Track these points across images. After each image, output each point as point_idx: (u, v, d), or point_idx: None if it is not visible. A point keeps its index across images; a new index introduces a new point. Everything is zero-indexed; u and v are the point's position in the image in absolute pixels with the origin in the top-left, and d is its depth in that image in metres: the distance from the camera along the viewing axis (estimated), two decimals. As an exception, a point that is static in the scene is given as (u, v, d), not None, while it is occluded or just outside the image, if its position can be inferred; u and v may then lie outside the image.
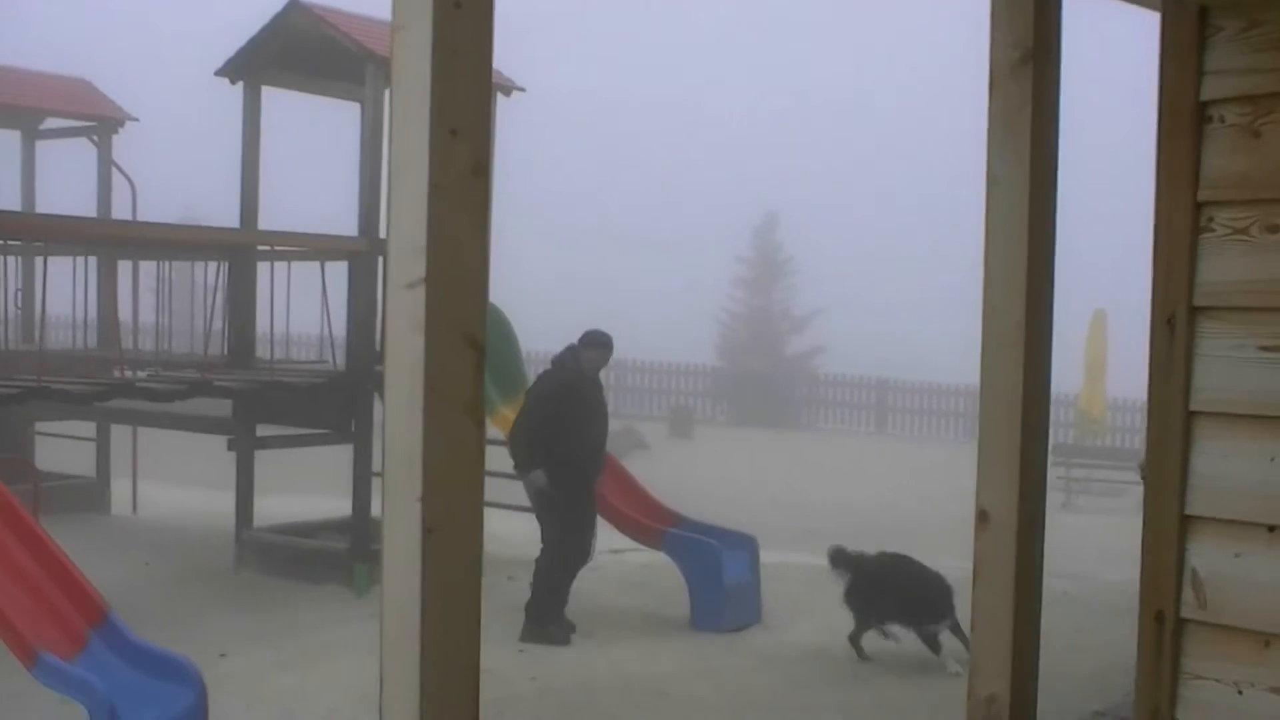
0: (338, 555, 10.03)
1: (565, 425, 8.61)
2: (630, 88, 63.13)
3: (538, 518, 8.82)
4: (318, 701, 7.10)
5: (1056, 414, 21.89)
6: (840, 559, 8.52)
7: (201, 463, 13.36)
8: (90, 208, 12.48)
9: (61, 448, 13.03)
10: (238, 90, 10.69)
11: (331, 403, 10.24)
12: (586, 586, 9.21)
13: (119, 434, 12.85)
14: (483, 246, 2.24)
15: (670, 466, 18.14)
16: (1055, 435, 19.40)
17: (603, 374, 9.16)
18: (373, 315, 10.06)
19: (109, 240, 10.51)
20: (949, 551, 8.86)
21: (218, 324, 10.36)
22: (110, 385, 9.47)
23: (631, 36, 68.55)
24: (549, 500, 8.63)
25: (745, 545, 9.53)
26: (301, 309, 10.21)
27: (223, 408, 10.48)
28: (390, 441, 2.24)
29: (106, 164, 12.73)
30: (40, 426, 12.65)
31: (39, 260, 9.74)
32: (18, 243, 10.68)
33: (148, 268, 11.23)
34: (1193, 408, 3.36)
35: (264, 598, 9.52)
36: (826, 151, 58.16)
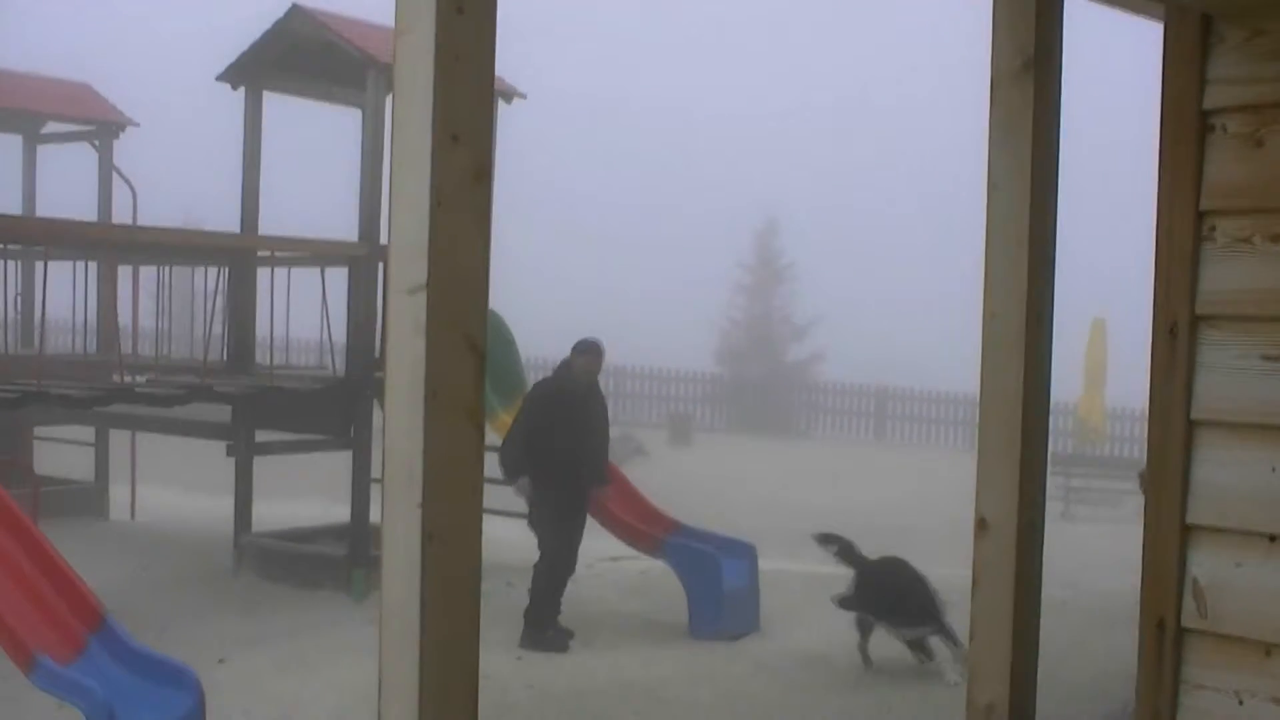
0: (336, 561, 10.03)
1: (554, 433, 8.63)
2: (630, 91, 63.11)
3: (530, 525, 8.86)
4: (316, 706, 7.10)
5: (1055, 423, 21.86)
6: (829, 540, 8.54)
7: (200, 468, 13.37)
8: (91, 212, 12.47)
9: (60, 452, 13.02)
10: (239, 95, 10.69)
11: (331, 408, 10.24)
12: (585, 593, 9.20)
13: (118, 438, 12.86)
14: (484, 251, 2.24)
15: (669, 473, 18.11)
16: (1054, 444, 19.36)
17: (601, 380, 9.16)
18: (372, 321, 10.05)
19: (109, 245, 10.50)
20: (948, 559, 8.85)
21: (217, 329, 10.36)
22: (109, 390, 9.48)
23: (632, 40, 68.64)
24: (536, 507, 8.68)
25: (744, 553, 9.51)
26: (301, 314, 10.21)
27: (222, 413, 10.49)
28: (391, 446, 2.23)
29: (107, 168, 12.72)
30: (39, 431, 12.65)
31: (39, 264, 9.73)
32: (18, 247, 10.69)
33: (148, 272, 11.26)
34: (1194, 416, 3.36)
35: (262, 603, 9.51)
36: (827, 156, 58.22)
